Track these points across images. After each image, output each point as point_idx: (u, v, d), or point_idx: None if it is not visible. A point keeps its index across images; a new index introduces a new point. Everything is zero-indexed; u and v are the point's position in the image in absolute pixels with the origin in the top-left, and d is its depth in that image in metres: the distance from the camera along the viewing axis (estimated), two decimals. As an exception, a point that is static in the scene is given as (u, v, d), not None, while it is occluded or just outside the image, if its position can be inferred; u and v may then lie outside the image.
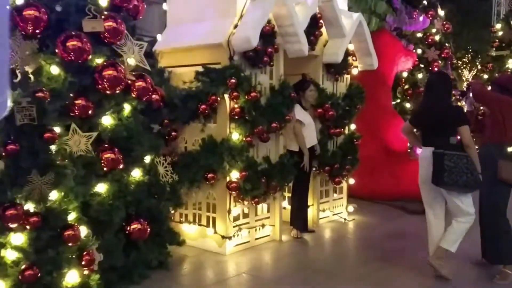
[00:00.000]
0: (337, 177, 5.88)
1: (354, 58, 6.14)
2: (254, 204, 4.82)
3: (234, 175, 4.57)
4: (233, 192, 4.59)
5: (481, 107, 4.46)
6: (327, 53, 5.64)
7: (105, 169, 3.72)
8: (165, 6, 5.28)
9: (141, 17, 4.34)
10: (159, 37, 5.20)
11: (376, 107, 7.50)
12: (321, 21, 5.45)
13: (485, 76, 10.16)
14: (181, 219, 5.03)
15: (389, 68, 7.82)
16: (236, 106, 4.53)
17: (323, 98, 5.63)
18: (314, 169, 5.68)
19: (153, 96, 4.26)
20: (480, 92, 4.31)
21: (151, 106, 4.28)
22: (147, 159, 4.15)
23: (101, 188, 3.67)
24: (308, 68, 5.76)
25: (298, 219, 5.42)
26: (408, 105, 8.96)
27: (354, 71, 6.25)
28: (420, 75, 8.82)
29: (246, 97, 4.51)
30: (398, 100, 9.52)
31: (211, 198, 4.78)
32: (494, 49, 10.32)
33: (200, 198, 4.85)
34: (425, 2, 9.07)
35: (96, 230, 3.58)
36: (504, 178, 4.02)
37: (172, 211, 4.59)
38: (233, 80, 4.41)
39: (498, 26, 10.50)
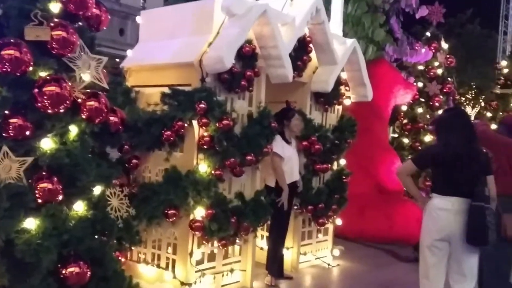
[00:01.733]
0: (321, 218, 5.29)
1: (346, 87, 5.64)
2: (221, 247, 4.23)
3: (199, 212, 4.00)
4: (196, 232, 4.00)
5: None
6: (316, 80, 5.14)
7: (39, 201, 3.16)
8: (138, 19, 4.80)
9: (104, 28, 3.85)
10: (129, 52, 4.71)
11: (370, 141, 6.98)
12: (310, 45, 4.95)
13: (489, 114, 9.67)
14: (139, 258, 4.43)
15: (386, 100, 7.33)
16: (205, 134, 3.99)
17: (309, 129, 5.09)
18: (295, 207, 5.11)
19: (111, 118, 3.73)
20: (485, 134, 3.74)
21: (109, 129, 3.75)
22: (97, 190, 3.59)
23: (31, 223, 3.09)
24: (295, 96, 5.24)
25: (274, 264, 4.82)
26: (406, 140, 8.47)
27: (347, 102, 5.74)
28: (420, 110, 8.36)
29: (217, 124, 3.97)
30: (396, 135, 9.05)
31: (172, 237, 4.20)
32: (499, 86, 9.86)
33: (160, 236, 4.27)
34: (428, 34, 8.67)
35: (20, 275, 3.00)
36: (508, 235, 3.45)
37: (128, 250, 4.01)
38: (202, 105, 3.88)
39: (504, 63, 10.07)
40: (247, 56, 4.18)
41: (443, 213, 3.30)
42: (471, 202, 3.19)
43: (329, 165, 5.34)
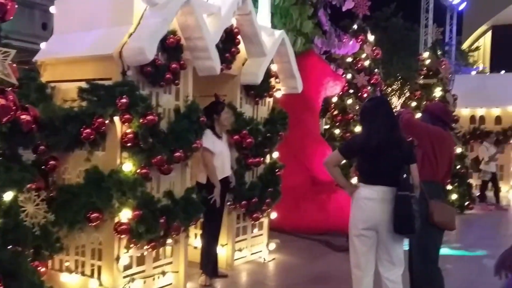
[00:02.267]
0: (255, 212, 5.21)
1: (277, 80, 5.57)
2: (150, 250, 4.02)
3: (125, 214, 3.76)
4: (122, 236, 3.77)
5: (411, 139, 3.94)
6: (246, 73, 5.02)
7: None
8: (52, 9, 4.43)
9: (11, 19, 3.50)
10: (42, 45, 4.34)
11: (302, 133, 6.99)
12: (238, 36, 4.83)
13: (414, 104, 10.04)
14: (62, 267, 4.12)
15: (317, 92, 7.36)
16: (128, 131, 3.75)
17: (240, 123, 4.97)
18: (228, 203, 4.98)
19: (22, 116, 3.40)
20: (409, 122, 3.78)
21: (20, 129, 3.42)
22: (8, 196, 3.25)
23: None
24: (225, 89, 5.10)
25: (208, 263, 4.67)
26: (337, 131, 8.60)
27: (278, 94, 5.68)
28: (349, 101, 8.50)
29: (141, 120, 3.74)
30: (327, 126, 9.17)
31: (96, 243, 3.93)
32: (422, 77, 10.26)
33: (83, 242, 3.98)
34: (355, 27, 8.83)
35: None
36: (435, 221, 3.51)
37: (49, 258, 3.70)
38: (124, 100, 3.63)
39: (426, 54, 10.48)
40: (171, 47, 3.98)
41: (369, 202, 3.28)
42: (397, 191, 3.20)
43: (262, 159, 5.26)
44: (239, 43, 4.83)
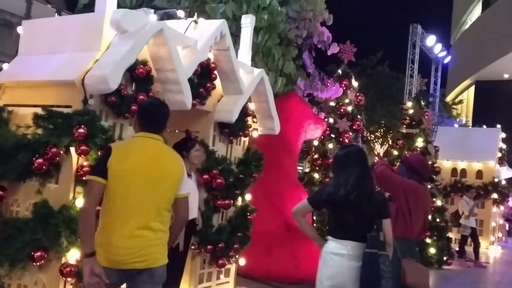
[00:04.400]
0: (220, 259, 4.87)
1: (254, 119, 5.37)
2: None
3: (73, 255, 3.42)
4: (69, 279, 3.41)
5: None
6: (220, 110, 4.81)
7: None
8: (19, 29, 4.21)
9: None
10: (5, 66, 4.10)
11: (279, 176, 6.75)
12: (215, 72, 4.64)
13: (395, 153, 9.93)
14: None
15: (297, 134, 7.19)
16: (85, 163, 3.47)
17: (211, 162, 4.72)
18: (192, 247, 4.66)
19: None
20: (382, 174, 3.56)
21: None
22: None
23: None
24: (197, 125, 4.88)
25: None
26: (316, 175, 8.40)
27: (254, 134, 5.47)
28: (330, 145, 8.36)
29: (99, 153, 3.47)
30: (307, 170, 8.98)
31: (40, 284, 3.56)
32: (404, 126, 10.21)
33: (26, 282, 3.61)
34: (339, 72, 8.81)
35: None
36: (408, 282, 3.25)
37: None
38: (81, 130, 3.37)
39: (409, 104, 10.48)
40: (140, 78, 3.76)
41: (336, 257, 3.00)
42: (365, 248, 2.93)
43: (232, 201, 4.97)
44: (215, 78, 4.64)
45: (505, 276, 8.29)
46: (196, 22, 4.49)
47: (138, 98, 3.75)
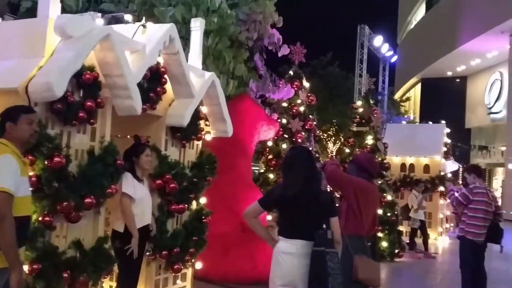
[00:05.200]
0: (176, 264, 4.84)
1: (206, 122, 5.37)
2: (50, 309, 3.55)
3: (22, 268, 3.31)
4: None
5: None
6: (172, 114, 4.78)
7: None
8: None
9: None
10: None
11: (233, 178, 6.78)
12: (165, 76, 4.61)
13: (347, 150, 10.18)
14: None
15: (250, 136, 7.23)
16: (31, 174, 3.36)
17: (164, 166, 4.68)
18: (147, 253, 4.61)
19: None
20: (333, 174, 3.67)
21: None
22: None
23: None
24: (149, 130, 4.82)
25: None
26: (271, 176, 8.48)
27: (207, 137, 5.47)
28: (284, 145, 8.46)
29: (46, 162, 3.37)
30: (262, 171, 9.06)
31: (-15, 300, 3.42)
32: (355, 124, 10.48)
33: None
34: (291, 73, 8.92)
35: None
36: (360, 278, 3.36)
37: None
38: (26, 139, 3.26)
39: (359, 103, 10.77)
40: (87, 84, 3.68)
41: (287, 257, 3.10)
42: (312, 247, 3.02)
43: (186, 205, 4.95)
44: (165, 82, 4.61)
45: (454, 265, 8.60)
46: (144, 26, 4.44)
47: (86, 105, 3.68)
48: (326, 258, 2.92)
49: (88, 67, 3.69)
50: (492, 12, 24.30)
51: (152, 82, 4.45)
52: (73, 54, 3.39)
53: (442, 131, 13.55)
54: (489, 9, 24.49)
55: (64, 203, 3.47)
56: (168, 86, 4.73)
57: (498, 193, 28.19)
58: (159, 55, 4.46)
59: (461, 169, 16.58)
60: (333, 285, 2.89)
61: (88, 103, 3.69)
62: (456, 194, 5.96)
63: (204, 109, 5.27)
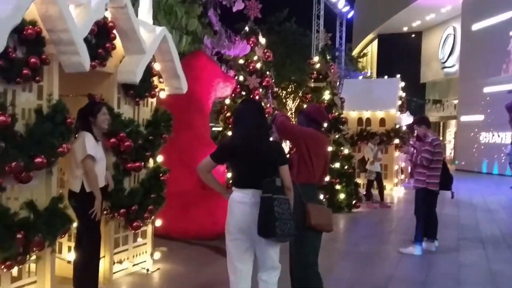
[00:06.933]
0: (135, 221, 4.85)
1: (160, 79, 5.28)
2: (6, 269, 3.52)
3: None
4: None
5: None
6: (123, 70, 4.66)
7: None
8: None
9: None
10: None
11: (190, 136, 6.76)
12: (114, 31, 4.46)
13: (305, 106, 10.26)
14: None
15: (206, 93, 7.16)
16: (-25, 135, 3.25)
17: (117, 125, 4.60)
18: (105, 212, 4.59)
19: None
20: (283, 125, 3.73)
21: None
22: None
23: None
24: (100, 88, 4.69)
25: (85, 279, 4.24)
26: (230, 133, 8.49)
27: (162, 95, 5.39)
28: (242, 103, 8.44)
29: None
30: (221, 128, 9.04)
31: None
32: (312, 80, 10.55)
33: None
34: (246, 29, 8.79)
35: None
36: (313, 224, 3.47)
37: None
38: (-33, 98, 3.13)
39: (316, 59, 10.80)
40: (30, 40, 3.53)
41: (241, 206, 3.20)
42: (262, 194, 3.11)
43: (142, 163, 4.92)
44: (114, 38, 4.47)
45: (407, 213, 9.05)
46: (88, -22, 4.24)
47: (29, 61, 3.53)
48: (274, 204, 3.00)
49: (29, 21, 3.53)
50: (446, -34, 24.51)
51: (100, 38, 4.31)
52: (11, 7, 3.22)
53: (397, 85, 13.85)
54: (443, -37, 24.68)
55: (13, 164, 3.38)
56: (118, 42, 4.59)
57: (451, 145, 29.45)
58: (106, 9, 4.30)
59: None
60: (282, 230, 2.99)
61: (32, 60, 3.54)
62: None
63: (157, 66, 5.17)
